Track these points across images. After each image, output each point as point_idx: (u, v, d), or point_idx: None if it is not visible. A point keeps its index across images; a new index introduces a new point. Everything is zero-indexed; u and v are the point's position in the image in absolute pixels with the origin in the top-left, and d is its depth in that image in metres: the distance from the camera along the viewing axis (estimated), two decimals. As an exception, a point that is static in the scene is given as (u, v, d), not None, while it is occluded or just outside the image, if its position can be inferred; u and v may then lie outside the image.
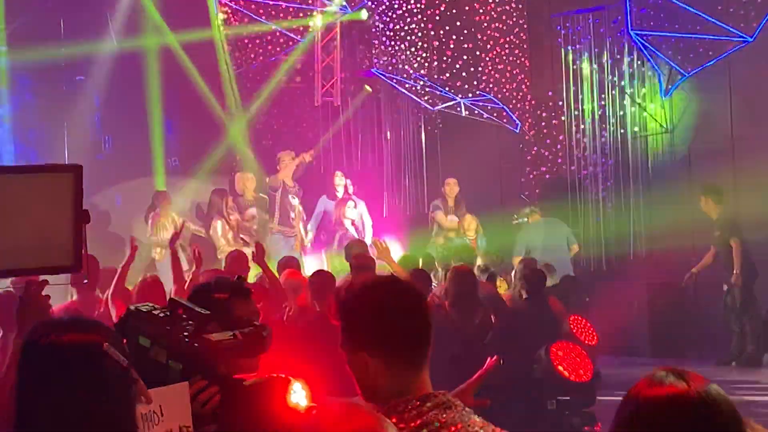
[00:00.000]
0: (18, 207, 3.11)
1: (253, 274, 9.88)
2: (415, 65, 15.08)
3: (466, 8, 15.02)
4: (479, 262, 11.26)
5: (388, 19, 15.08)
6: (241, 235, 12.54)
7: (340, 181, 13.58)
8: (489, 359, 3.48)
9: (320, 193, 13.71)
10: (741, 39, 12.59)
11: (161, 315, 2.63)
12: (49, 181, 3.13)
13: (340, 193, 13.42)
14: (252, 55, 14.87)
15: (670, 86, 13.51)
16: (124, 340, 2.53)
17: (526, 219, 12.93)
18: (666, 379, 1.96)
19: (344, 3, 14.77)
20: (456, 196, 13.65)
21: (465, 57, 15.07)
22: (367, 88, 15.19)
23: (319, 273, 8.55)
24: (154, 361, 2.56)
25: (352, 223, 12.88)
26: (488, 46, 15.07)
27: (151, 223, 12.71)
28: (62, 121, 13.57)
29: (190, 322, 2.61)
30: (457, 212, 13.53)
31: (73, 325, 2.24)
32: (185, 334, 2.58)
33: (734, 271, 11.35)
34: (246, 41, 14.77)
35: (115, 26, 13.68)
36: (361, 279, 2.63)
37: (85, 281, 6.56)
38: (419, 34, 15.10)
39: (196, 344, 2.56)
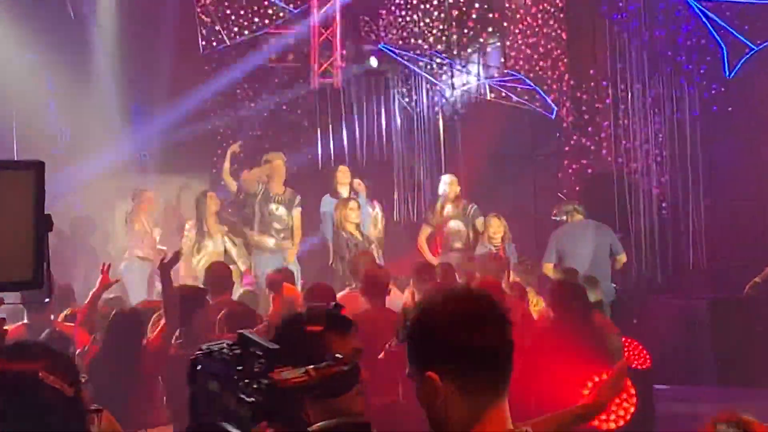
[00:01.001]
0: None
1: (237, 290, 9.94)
2: (431, 39, 15.08)
3: (491, -29, 15.08)
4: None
5: (398, -16, 15.14)
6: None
7: (344, 178, 13.50)
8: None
9: (320, 192, 13.65)
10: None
11: (232, 354, 2.65)
12: (4, 180, 3.12)
13: (344, 193, 13.33)
14: (236, 29, 14.89)
15: (735, 62, 13.51)
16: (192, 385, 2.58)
17: (565, 218, 12.84)
18: None
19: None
20: (456, 197, 13.48)
21: (490, 29, 15.07)
22: (372, 60, 15.15)
23: (316, 287, 8.56)
24: (225, 408, 2.58)
25: (357, 228, 12.85)
26: (518, 16, 15.07)
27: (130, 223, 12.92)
28: (9, 109, 13.62)
29: (261, 361, 2.62)
30: (461, 218, 13.39)
31: (9, 353, 2.32)
32: (251, 376, 2.60)
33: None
34: (228, 12, 14.80)
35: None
36: (431, 293, 2.62)
37: (47, 300, 6.55)
38: (435, 2, 15.11)
39: (255, 386, 2.57)
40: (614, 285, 12.29)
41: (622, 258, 12.58)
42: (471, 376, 2.46)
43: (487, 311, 2.50)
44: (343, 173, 13.53)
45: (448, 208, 13.28)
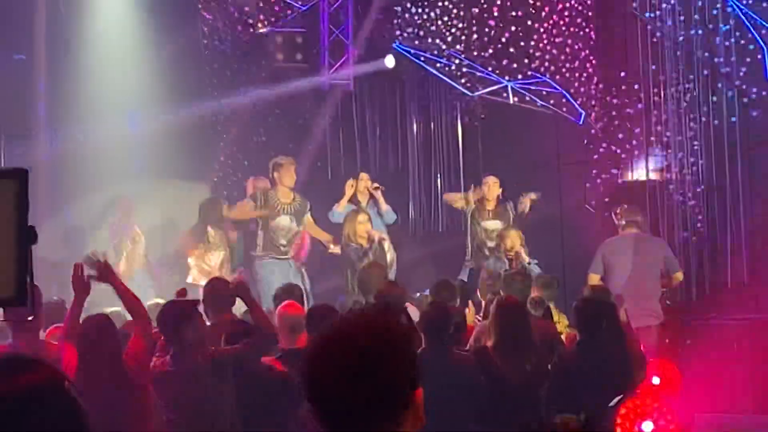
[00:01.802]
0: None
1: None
2: (449, 39, 15.09)
3: (515, -36, 15.06)
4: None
5: (414, -20, 15.14)
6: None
7: (364, 186, 13.55)
8: None
9: (331, 202, 13.65)
10: None
11: None
12: None
13: (364, 202, 13.42)
14: (239, 27, 14.93)
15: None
16: None
17: (624, 223, 12.77)
18: None
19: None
20: (498, 198, 13.66)
21: (513, 28, 15.07)
22: (389, 59, 15.14)
23: (320, 307, 8.56)
24: None
25: (368, 242, 12.87)
26: (543, 14, 15.06)
27: (112, 230, 13.00)
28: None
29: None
30: (501, 219, 13.54)
31: (20, 365, 2.29)
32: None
33: None
34: (232, 9, 14.83)
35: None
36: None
37: (30, 318, 6.51)
38: (454, -1, 15.15)
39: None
40: (668, 303, 12.28)
41: (678, 276, 12.51)
42: (318, 414, 2.51)
43: (325, 349, 2.51)
44: (364, 182, 13.58)
45: (489, 208, 13.44)
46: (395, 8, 15.28)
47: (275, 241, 12.89)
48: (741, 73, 13.84)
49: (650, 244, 12.58)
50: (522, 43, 15.10)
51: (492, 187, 13.75)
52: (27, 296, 3.17)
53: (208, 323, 8.37)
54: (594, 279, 12.10)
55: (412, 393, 2.49)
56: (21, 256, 3.11)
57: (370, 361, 2.45)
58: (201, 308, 8.22)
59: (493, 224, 13.57)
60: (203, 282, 11.87)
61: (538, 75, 15.05)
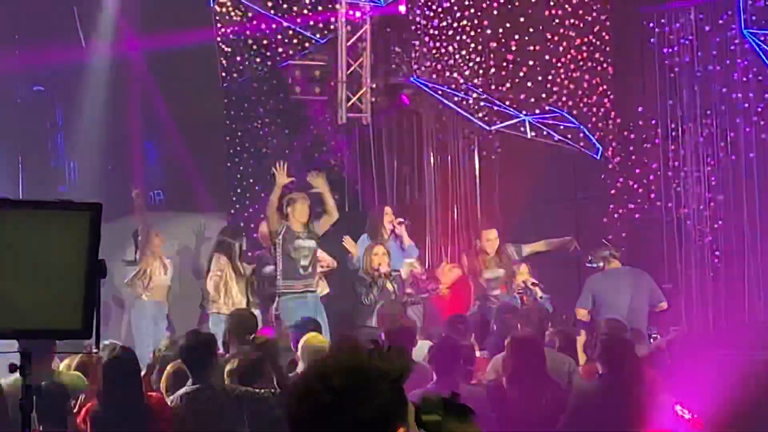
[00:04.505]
0: (17, 251, 3.23)
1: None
2: (467, 73, 15.19)
3: (533, 0, 15.14)
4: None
5: (432, 14, 15.19)
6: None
7: (388, 221, 13.61)
8: None
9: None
10: None
11: None
12: (57, 221, 3.25)
13: (386, 235, 13.44)
14: (258, 60, 15.07)
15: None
16: None
17: (601, 264, 12.95)
18: None
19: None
20: (498, 251, 13.67)
21: (531, 62, 15.16)
22: (405, 102, 15.34)
23: (347, 339, 8.69)
24: None
25: (385, 276, 12.98)
26: (561, 49, 15.14)
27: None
28: (15, 143, 13.84)
29: None
30: (503, 266, 13.50)
31: None
32: None
33: None
34: (250, 42, 14.97)
35: (84, 26, 13.99)
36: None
37: (95, 351, 6.40)
38: (472, 33, 15.21)
39: None
40: (656, 333, 12.39)
41: (663, 305, 12.61)
42: None
43: (303, 384, 2.69)
44: (388, 217, 13.62)
45: (490, 264, 13.47)
46: (413, 42, 15.40)
47: (296, 264, 12.85)
48: (759, 109, 13.92)
49: (638, 277, 12.66)
50: (540, 78, 15.17)
51: (492, 243, 13.51)
52: (92, 329, 3.28)
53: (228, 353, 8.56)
54: (582, 313, 12.24)
55: (392, 428, 2.62)
56: (90, 289, 3.22)
57: (344, 400, 2.59)
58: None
59: (496, 273, 13.46)
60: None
61: (556, 109, 15.13)
